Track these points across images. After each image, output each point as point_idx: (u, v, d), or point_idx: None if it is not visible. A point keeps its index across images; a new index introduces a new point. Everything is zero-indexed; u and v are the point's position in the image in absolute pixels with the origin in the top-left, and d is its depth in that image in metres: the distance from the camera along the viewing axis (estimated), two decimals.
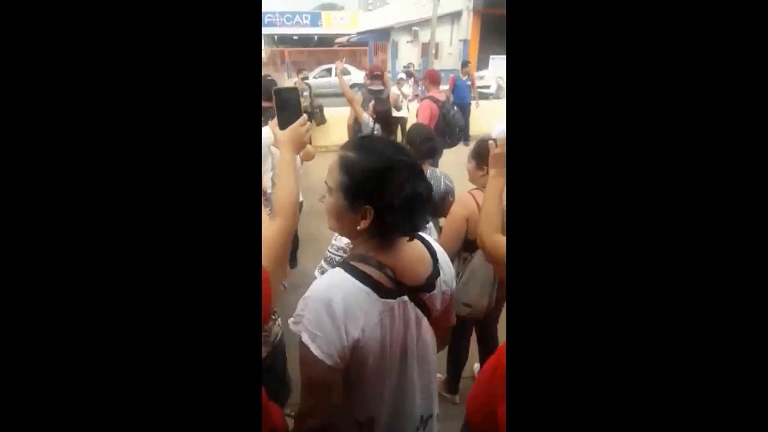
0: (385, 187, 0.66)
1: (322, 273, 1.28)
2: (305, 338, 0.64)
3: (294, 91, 0.88)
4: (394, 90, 3.69)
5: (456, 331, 0.81)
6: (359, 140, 0.74)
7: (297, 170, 0.83)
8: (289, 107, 0.85)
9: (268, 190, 1.92)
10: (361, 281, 0.67)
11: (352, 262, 0.70)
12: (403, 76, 4.88)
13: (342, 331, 0.64)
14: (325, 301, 0.64)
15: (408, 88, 4.47)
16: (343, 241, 1.25)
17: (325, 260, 1.30)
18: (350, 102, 2.88)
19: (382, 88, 3.50)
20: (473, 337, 1.80)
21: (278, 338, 1.26)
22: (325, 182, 0.72)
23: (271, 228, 0.74)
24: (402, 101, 3.97)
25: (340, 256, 1.21)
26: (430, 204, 0.70)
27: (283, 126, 0.84)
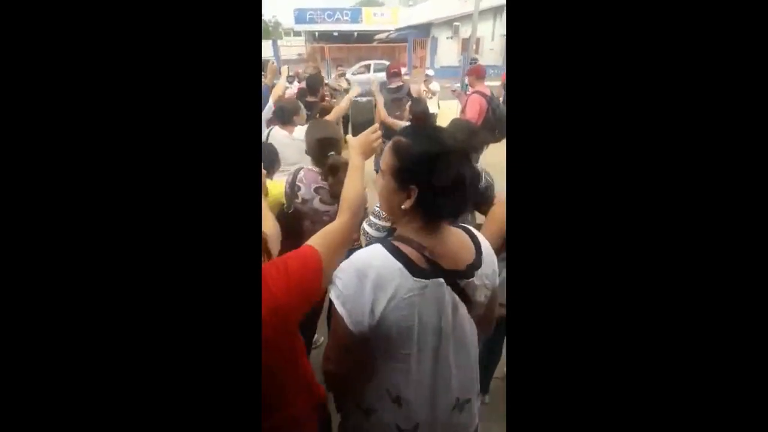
0: (432, 170, 0.70)
1: (365, 234, 1.38)
2: (332, 296, 0.73)
3: (369, 102, 1.01)
4: (413, 86, 3.71)
5: None
6: (412, 127, 0.79)
7: (364, 173, 0.92)
8: (363, 117, 0.96)
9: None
10: (396, 258, 0.71)
11: (393, 241, 0.75)
12: (431, 73, 4.85)
13: (368, 300, 0.69)
14: (360, 269, 0.71)
15: (436, 86, 4.44)
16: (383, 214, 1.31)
17: (368, 223, 1.39)
18: (384, 119, 2.91)
19: (401, 84, 3.53)
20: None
21: None
22: (379, 165, 0.78)
23: (336, 222, 0.83)
24: (430, 97, 3.97)
25: (377, 223, 1.26)
26: (474, 190, 0.74)
27: (356, 133, 0.95)
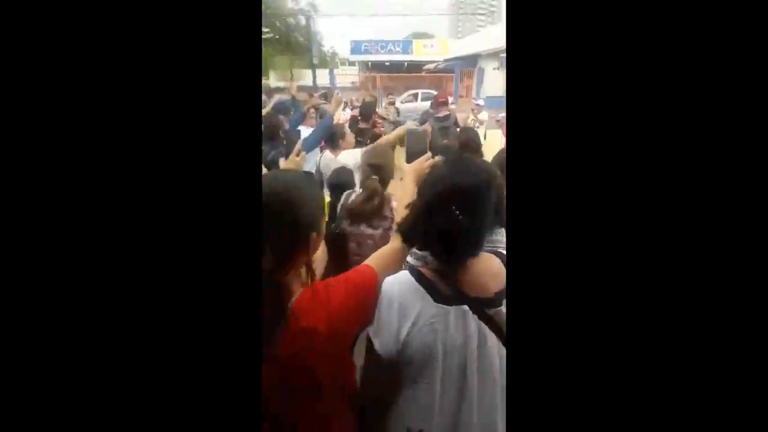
0: (415, 210, 0.74)
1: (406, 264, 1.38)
2: None
3: (423, 133, 1.10)
4: (460, 115, 3.79)
5: None
6: (455, 155, 0.82)
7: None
8: (417, 145, 1.05)
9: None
10: (419, 282, 0.73)
11: (418, 267, 0.77)
12: (481, 102, 4.89)
13: (395, 325, 0.71)
14: (387, 295, 0.74)
15: (485, 115, 4.46)
16: None
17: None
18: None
19: (447, 113, 3.61)
20: None
21: None
22: None
23: (389, 245, 0.88)
24: (478, 126, 3.99)
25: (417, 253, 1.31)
26: (465, 244, 0.71)
27: (409, 160, 1.02)
